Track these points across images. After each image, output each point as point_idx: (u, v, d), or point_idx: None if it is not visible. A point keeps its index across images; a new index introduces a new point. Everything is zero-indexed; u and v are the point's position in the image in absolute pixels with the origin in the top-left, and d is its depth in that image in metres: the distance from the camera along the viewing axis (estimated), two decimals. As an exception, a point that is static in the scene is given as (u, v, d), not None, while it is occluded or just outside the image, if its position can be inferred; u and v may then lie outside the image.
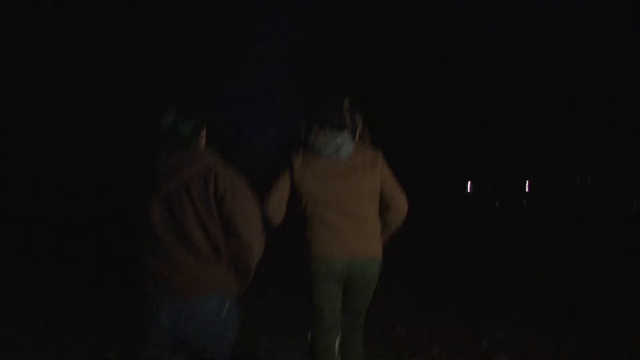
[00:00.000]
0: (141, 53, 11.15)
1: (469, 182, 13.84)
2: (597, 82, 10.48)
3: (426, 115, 12.76)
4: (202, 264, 2.16)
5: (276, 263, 3.39)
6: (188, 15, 11.67)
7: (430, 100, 12.48)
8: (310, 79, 12.38)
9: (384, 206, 2.92)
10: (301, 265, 2.86)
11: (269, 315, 4.65)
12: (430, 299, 5.43)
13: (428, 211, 10.45)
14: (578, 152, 11.36)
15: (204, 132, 2.28)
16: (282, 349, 4.00)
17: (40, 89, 10.65)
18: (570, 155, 11.45)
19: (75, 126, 10.78)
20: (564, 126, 11.26)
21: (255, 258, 2.24)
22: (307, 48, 12.80)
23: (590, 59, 10.40)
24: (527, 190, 12.64)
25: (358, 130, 2.94)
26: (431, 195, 11.97)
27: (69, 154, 10.56)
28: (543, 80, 11.08)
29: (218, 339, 2.23)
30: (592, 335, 4.32)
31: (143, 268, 2.18)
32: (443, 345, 4.11)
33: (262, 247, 2.26)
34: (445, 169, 13.12)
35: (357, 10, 12.31)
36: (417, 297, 5.51)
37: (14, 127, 10.40)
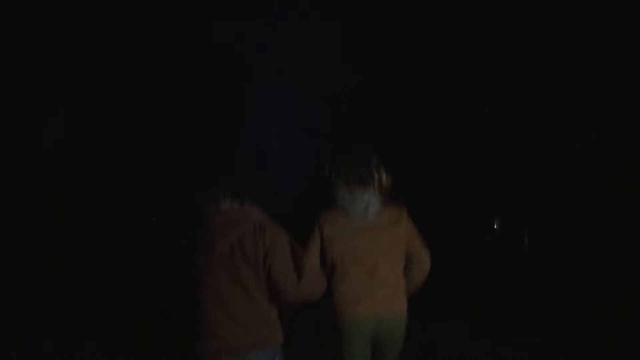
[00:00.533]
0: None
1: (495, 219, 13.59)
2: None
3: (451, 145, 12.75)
4: (261, 321, 2.24)
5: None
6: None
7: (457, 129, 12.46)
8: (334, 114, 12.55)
9: (408, 262, 2.96)
10: (329, 324, 2.91)
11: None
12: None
13: (455, 250, 10.27)
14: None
15: None
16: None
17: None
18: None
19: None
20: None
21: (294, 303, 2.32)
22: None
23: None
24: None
25: (383, 185, 2.91)
26: (457, 233, 11.79)
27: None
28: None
29: None
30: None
31: (198, 329, 2.22)
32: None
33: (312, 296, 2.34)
34: (470, 205, 12.95)
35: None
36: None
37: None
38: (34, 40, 9.94)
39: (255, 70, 12.62)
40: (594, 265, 8.62)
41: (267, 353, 2.26)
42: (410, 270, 2.99)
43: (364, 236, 2.83)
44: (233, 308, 2.20)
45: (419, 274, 3.02)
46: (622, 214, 10.26)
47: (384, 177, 2.92)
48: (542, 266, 9.33)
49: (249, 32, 12.50)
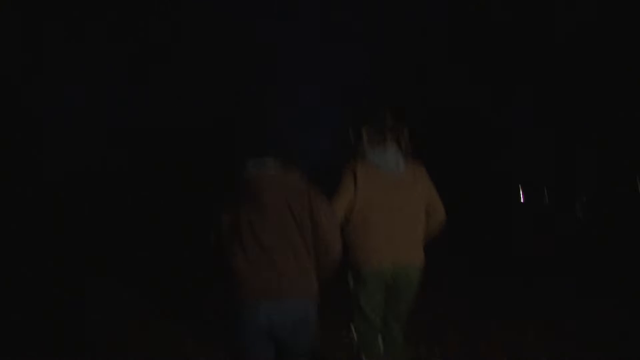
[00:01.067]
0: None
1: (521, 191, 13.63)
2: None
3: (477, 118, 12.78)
4: (302, 275, 2.49)
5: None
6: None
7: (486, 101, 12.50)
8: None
9: (425, 215, 3.16)
10: (348, 266, 3.06)
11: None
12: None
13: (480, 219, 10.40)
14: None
15: None
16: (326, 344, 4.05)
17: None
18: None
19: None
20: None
21: (337, 259, 2.60)
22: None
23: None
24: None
25: (405, 145, 3.15)
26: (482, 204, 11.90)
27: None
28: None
29: (306, 335, 2.52)
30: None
31: (242, 276, 2.45)
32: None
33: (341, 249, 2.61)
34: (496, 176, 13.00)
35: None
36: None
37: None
38: (42, 38, 10.05)
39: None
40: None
41: (304, 301, 2.49)
42: (428, 222, 3.19)
43: (392, 190, 3.02)
44: (278, 259, 2.44)
45: (435, 224, 3.23)
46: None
47: (405, 135, 3.17)
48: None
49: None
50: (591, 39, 10.37)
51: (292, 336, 2.47)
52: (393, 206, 3.01)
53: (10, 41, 9.51)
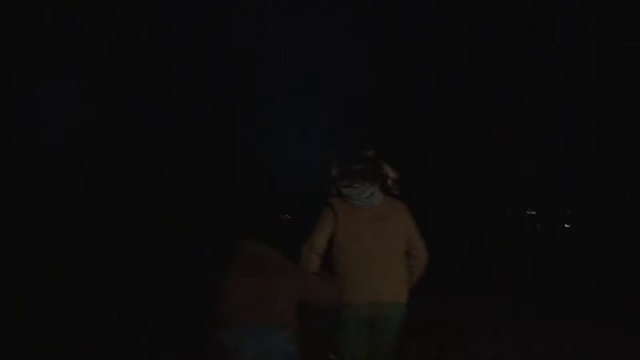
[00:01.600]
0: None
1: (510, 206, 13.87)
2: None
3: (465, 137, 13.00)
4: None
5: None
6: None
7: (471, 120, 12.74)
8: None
9: (407, 255, 3.15)
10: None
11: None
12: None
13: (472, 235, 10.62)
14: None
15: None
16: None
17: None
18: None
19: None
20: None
21: None
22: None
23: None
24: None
25: (387, 181, 3.18)
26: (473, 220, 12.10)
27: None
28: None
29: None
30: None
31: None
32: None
33: None
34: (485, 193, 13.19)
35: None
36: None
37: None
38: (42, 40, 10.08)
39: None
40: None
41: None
42: (410, 262, 3.16)
43: (369, 223, 3.04)
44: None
45: (417, 263, 3.18)
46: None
47: (386, 172, 3.18)
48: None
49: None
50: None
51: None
52: (369, 240, 3.02)
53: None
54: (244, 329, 2.48)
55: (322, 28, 12.89)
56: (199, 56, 11.91)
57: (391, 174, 3.19)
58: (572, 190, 12.45)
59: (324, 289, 2.79)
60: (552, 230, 12.83)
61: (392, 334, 3.10)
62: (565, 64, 11.63)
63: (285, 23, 12.88)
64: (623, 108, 11.18)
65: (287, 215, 3.63)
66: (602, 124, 11.39)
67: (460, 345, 4.34)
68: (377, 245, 3.04)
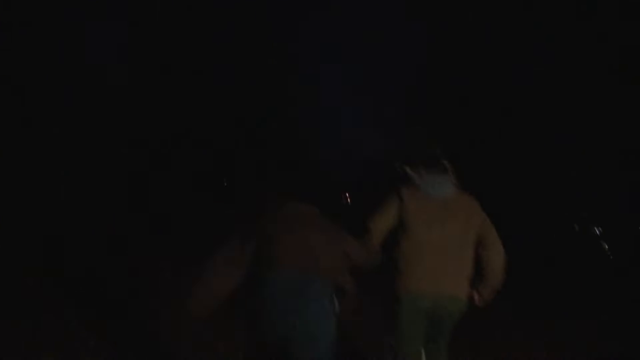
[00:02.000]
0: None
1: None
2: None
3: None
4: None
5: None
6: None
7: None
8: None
9: (484, 253, 3.05)
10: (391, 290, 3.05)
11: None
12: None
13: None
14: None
15: None
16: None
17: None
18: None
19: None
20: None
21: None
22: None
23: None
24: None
25: (452, 174, 3.09)
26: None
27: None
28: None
29: None
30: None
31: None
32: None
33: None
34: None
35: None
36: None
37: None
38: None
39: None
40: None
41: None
42: (487, 261, 3.06)
43: (443, 216, 2.96)
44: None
45: (497, 264, 3.06)
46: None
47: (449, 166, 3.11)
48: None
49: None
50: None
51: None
52: (438, 230, 2.95)
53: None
54: (285, 274, 2.52)
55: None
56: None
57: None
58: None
59: (361, 250, 2.81)
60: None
61: (449, 328, 3.05)
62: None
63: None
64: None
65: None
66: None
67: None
68: (445, 237, 2.95)
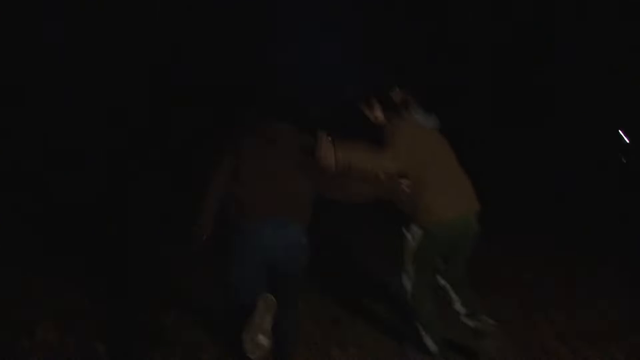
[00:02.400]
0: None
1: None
2: None
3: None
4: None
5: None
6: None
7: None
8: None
9: None
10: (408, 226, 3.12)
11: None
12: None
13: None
14: None
15: None
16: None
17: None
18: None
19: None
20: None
21: None
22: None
23: None
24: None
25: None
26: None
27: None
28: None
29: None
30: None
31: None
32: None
33: None
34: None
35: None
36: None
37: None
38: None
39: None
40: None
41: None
42: None
43: (439, 143, 3.15)
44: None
45: None
46: None
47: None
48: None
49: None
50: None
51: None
52: (443, 158, 3.09)
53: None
54: (266, 220, 2.69)
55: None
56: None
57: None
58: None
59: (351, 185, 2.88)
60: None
61: (470, 244, 3.17)
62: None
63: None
64: None
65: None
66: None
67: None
68: (451, 163, 3.17)
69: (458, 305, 3.18)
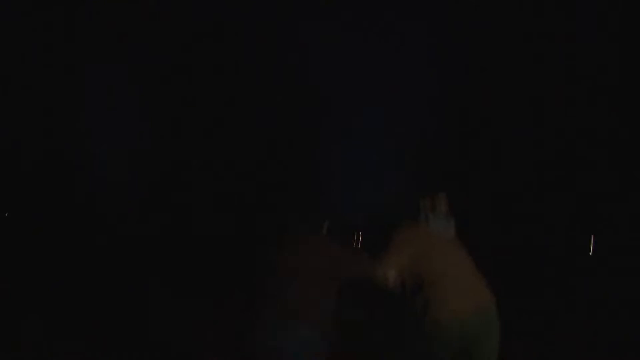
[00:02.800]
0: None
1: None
2: None
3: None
4: None
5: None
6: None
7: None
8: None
9: None
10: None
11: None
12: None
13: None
14: None
15: None
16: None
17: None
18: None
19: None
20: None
21: None
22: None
23: None
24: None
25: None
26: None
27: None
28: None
29: None
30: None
31: None
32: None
33: None
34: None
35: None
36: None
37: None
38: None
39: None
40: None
41: None
42: None
43: (452, 248, 3.23)
44: None
45: None
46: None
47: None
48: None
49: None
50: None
51: None
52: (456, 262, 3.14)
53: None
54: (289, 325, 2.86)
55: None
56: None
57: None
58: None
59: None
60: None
61: (493, 345, 3.06)
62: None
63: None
64: None
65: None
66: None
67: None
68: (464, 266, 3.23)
69: None
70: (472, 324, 2.93)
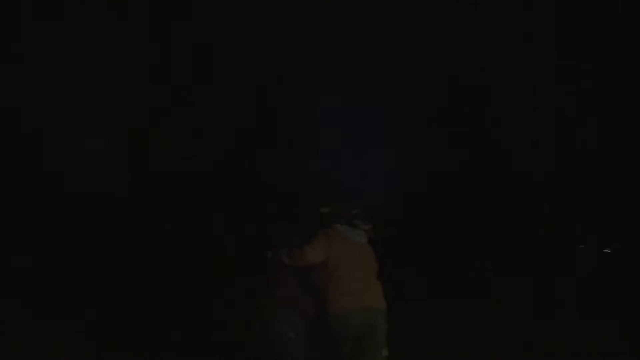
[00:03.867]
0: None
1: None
2: None
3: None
4: None
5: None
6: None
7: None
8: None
9: None
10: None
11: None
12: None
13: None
14: None
15: None
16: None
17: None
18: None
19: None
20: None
21: None
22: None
23: None
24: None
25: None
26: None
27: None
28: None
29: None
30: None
31: None
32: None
33: None
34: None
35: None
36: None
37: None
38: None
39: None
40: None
41: None
42: None
43: (357, 250, 3.67)
44: None
45: None
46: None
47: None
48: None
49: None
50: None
51: None
52: (356, 262, 3.55)
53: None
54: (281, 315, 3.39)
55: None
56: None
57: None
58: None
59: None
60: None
61: (376, 342, 3.43)
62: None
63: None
64: None
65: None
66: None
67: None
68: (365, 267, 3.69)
69: None
70: (354, 322, 3.34)
